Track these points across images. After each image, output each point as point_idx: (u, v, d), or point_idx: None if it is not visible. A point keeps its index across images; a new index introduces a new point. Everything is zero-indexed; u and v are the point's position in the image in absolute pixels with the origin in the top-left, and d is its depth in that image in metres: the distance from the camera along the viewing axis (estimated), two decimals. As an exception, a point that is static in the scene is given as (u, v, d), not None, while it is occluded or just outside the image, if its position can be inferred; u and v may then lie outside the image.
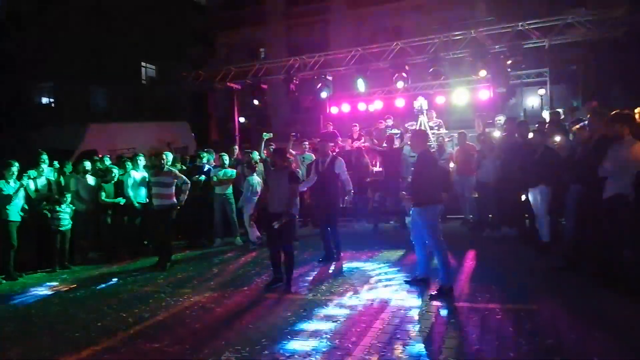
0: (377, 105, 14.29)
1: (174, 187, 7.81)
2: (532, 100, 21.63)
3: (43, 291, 6.72)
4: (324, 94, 13.13)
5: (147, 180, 8.59)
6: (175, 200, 7.80)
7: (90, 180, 8.62)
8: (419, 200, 5.35)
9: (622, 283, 4.91)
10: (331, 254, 7.28)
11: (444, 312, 4.70)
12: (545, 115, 11.08)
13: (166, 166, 7.95)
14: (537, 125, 8.28)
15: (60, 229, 7.97)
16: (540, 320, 4.35)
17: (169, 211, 7.72)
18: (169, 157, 9.02)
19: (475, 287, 5.49)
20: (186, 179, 8.00)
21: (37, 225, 7.91)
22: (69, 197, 8.14)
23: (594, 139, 5.58)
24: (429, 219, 5.29)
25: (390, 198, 9.86)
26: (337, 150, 11.64)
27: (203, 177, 9.24)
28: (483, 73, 11.72)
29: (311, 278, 6.34)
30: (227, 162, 9.34)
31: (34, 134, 14.22)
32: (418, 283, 5.66)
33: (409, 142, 8.99)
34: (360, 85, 12.86)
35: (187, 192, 7.92)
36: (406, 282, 5.82)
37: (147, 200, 8.60)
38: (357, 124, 12.67)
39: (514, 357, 3.64)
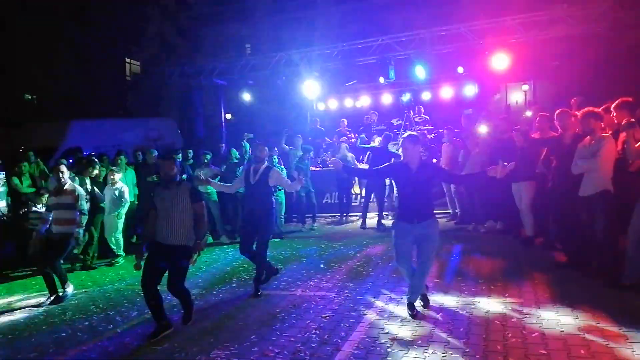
0: (363, 101, 14.30)
1: (76, 211, 6.07)
2: (516, 96, 21.87)
3: (27, 292, 6.63)
4: (311, 90, 13.11)
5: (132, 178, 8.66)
6: (76, 227, 6.07)
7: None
8: (432, 213, 4.65)
9: (607, 275, 4.99)
10: (271, 271, 6.00)
11: (431, 306, 4.75)
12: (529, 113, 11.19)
13: (68, 183, 6.18)
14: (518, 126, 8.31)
15: (37, 228, 7.82)
16: (525, 312, 4.41)
17: (65, 240, 6.01)
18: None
19: (462, 280, 5.56)
20: (85, 208, 6.23)
21: (16, 224, 7.82)
22: (45, 196, 7.94)
23: (569, 136, 5.67)
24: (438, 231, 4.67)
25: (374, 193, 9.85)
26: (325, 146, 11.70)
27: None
28: (461, 69, 11.81)
29: (299, 274, 6.34)
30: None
31: (14, 131, 13.93)
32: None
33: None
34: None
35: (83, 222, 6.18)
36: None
37: (134, 199, 8.63)
38: (345, 119, 12.75)
39: (500, 350, 3.70)
